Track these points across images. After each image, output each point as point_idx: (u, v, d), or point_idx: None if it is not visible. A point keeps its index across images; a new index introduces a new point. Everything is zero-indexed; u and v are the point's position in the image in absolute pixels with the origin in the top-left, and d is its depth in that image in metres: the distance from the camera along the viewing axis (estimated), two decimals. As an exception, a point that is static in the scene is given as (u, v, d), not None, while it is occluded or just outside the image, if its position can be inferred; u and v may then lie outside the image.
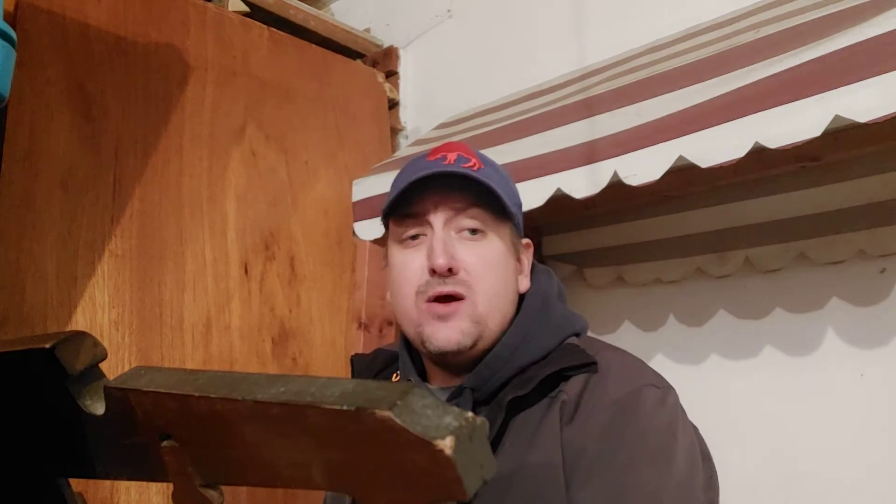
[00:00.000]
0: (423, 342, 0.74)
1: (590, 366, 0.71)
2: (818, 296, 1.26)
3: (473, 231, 0.73)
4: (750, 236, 1.32)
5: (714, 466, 0.73)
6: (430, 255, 0.72)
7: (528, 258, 0.80)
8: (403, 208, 0.75)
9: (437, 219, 0.73)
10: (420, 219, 0.75)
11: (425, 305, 0.73)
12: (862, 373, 1.20)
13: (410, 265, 0.74)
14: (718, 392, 1.34)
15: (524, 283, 0.78)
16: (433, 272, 0.72)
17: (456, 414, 0.30)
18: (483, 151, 1.33)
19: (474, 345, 0.72)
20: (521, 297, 0.79)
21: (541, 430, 0.69)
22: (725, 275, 1.37)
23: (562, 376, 0.71)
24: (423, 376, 0.82)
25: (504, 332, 0.75)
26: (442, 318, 0.72)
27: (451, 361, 0.75)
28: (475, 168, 0.73)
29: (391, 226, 0.79)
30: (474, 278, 0.72)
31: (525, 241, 0.80)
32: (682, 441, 0.68)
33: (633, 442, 0.66)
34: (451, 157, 0.74)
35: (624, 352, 0.77)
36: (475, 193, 0.73)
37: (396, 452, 0.30)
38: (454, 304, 0.71)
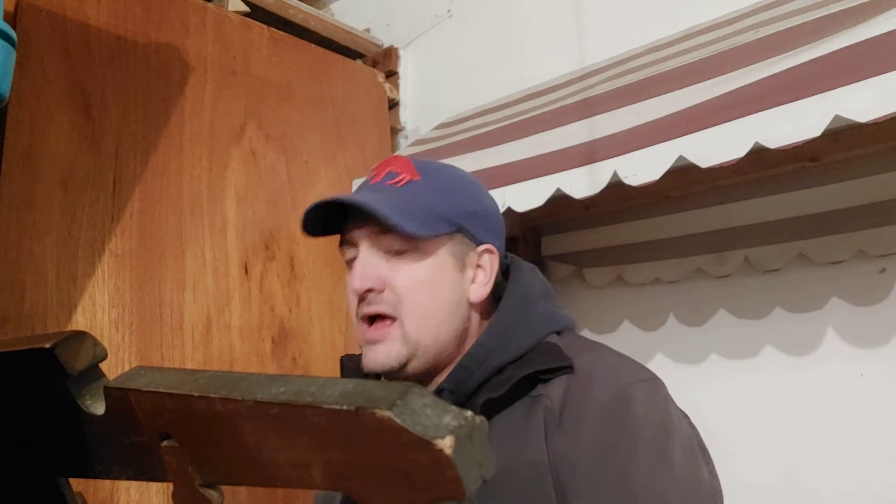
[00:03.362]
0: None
1: (565, 369, 0.70)
2: (818, 296, 1.26)
3: (399, 251, 0.72)
4: (750, 236, 1.32)
5: (709, 454, 0.72)
6: (351, 278, 0.73)
7: (489, 264, 0.76)
8: (343, 234, 0.77)
9: (363, 241, 0.74)
10: (352, 243, 0.76)
11: (362, 328, 0.74)
12: (862, 372, 1.20)
13: (349, 288, 0.75)
14: (718, 392, 1.34)
15: (479, 292, 0.76)
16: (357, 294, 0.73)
17: (455, 413, 0.30)
18: (483, 151, 1.35)
19: (404, 366, 0.72)
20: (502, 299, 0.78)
21: (523, 434, 0.69)
22: (725, 275, 1.37)
23: (538, 378, 0.71)
24: None
25: (460, 343, 0.75)
26: (372, 342, 0.73)
27: (396, 378, 0.75)
28: (402, 183, 0.73)
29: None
30: (401, 297, 0.72)
31: (484, 246, 0.76)
32: (677, 435, 0.68)
33: (630, 446, 0.65)
34: (381, 174, 0.75)
35: (604, 348, 0.76)
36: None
37: (396, 452, 0.30)
38: (383, 329, 0.72)
